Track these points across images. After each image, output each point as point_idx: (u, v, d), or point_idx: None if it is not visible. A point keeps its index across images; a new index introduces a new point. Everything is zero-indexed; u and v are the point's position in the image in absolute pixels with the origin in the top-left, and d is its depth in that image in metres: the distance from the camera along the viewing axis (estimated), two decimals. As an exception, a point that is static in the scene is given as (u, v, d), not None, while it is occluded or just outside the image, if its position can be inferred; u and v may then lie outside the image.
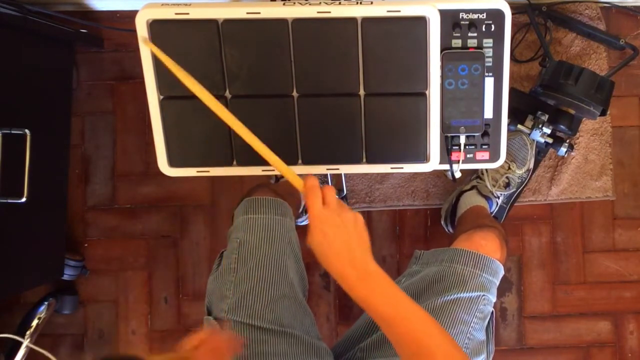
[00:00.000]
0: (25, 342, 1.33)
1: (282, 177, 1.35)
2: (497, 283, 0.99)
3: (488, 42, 0.96)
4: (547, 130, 1.30)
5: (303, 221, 1.44)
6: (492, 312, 0.98)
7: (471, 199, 1.37)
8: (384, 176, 1.51)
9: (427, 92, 0.97)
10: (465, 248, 0.99)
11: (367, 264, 0.77)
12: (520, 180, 1.41)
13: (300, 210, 1.37)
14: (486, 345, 0.96)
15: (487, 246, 1.00)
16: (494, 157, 1.02)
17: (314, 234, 0.76)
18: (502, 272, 1.00)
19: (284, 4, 0.94)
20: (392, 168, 1.02)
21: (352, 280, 0.75)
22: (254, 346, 0.89)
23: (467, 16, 0.95)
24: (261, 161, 1.01)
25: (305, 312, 0.99)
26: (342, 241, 0.76)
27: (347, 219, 0.77)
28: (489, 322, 0.97)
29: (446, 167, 1.02)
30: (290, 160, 1.00)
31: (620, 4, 1.49)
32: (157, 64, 0.95)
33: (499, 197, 1.41)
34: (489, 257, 0.98)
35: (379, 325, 0.77)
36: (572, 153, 1.49)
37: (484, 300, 0.95)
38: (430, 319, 0.76)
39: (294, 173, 0.83)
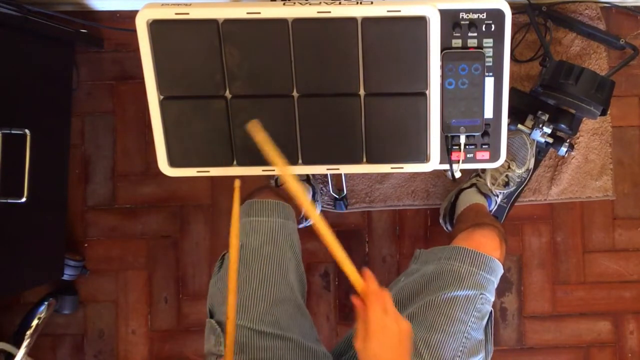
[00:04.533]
0: (21, 353, 1.32)
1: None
2: (496, 282, 0.99)
3: (488, 42, 0.96)
4: (548, 130, 1.30)
5: (306, 224, 1.44)
6: (491, 312, 0.97)
7: (470, 197, 1.37)
8: (384, 176, 1.50)
9: (427, 92, 0.97)
10: (465, 246, 0.99)
11: None
12: (520, 180, 1.41)
13: (302, 216, 1.36)
14: (485, 345, 0.96)
15: (486, 244, 1.00)
16: (494, 157, 1.02)
17: (372, 341, 0.73)
18: (500, 271, 1.00)
19: (284, 4, 0.94)
20: (392, 168, 1.02)
21: None
22: (254, 352, 0.89)
23: (467, 16, 0.95)
24: (261, 161, 1.02)
25: (304, 315, 0.98)
26: (398, 352, 0.75)
27: (404, 331, 0.76)
28: (487, 321, 0.97)
29: (446, 167, 1.02)
30: (290, 160, 1.01)
31: (620, 4, 1.49)
32: (157, 64, 0.95)
33: (498, 196, 1.41)
34: (487, 255, 0.98)
35: None
36: (572, 153, 1.49)
37: (481, 299, 0.95)
38: None
39: (355, 273, 0.78)
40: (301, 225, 1.40)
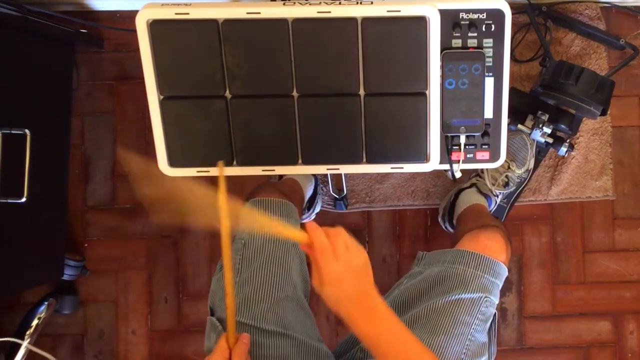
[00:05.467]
0: (25, 344, 1.33)
1: (283, 175, 1.35)
2: (500, 285, 0.99)
3: (488, 42, 0.96)
4: (548, 130, 1.30)
5: (306, 218, 1.44)
6: (495, 314, 0.97)
7: (470, 197, 1.37)
8: (384, 176, 1.50)
9: (427, 92, 0.97)
10: (471, 248, 0.99)
11: (375, 304, 0.77)
12: (519, 180, 1.41)
13: (304, 207, 1.37)
14: (488, 347, 0.96)
15: (492, 247, 1.00)
16: (494, 157, 1.02)
17: (329, 288, 0.76)
18: (505, 274, 1.00)
19: (284, 4, 0.94)
20: (392, 168, 1.02)
21: (361, 323, 0.76)
22: (256, 349, 0.89)
23: (467, 16, 0.95)
24: (261, 161, 1.02)
25: (307, 314, 0.99)
26: (354, 287, 0.76)
27: (357, 266, 0.76)
28: (491, 324, 0.97)
29: (446, 167, 1.02)
30: (290, 160, 1.01)
31: (620, 4, 1.49)
32: (157, 64, 0.95)
33: (498, 196, 1.41)
34: (491, 258, 0.98)
35: None
36: (572, 153, 1.49)
37: (486, 302, 0.95)
38: (433, 358, 0.76)
39: (296, 232, 0.78)
40: (303, 219, 1.40)
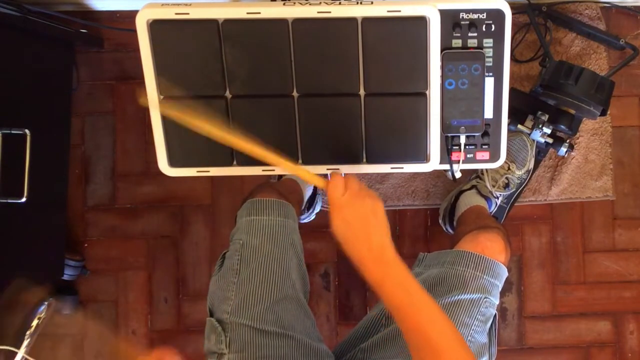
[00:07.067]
0: (21, 353, 1.32)
1: (282, 175, 1.36)
2: (500, 286, 0.99)
3: (488, 42, 0.96)
4: (547, 130, 1.30)
5: (305, 218, 1.44)
6: (495, 315, 0.97)
7: (471, 199, 1.37)
8: (384, 176, 1.51)
9: (427, 92, 0.97)
10: (470, 249, 0.99)
11: (384, 249, 0.77)
12: (519, 181, 1.41)
13: (303, 207, 1.37)
14: (488, 348, 0.96)
15: (492, 248, 1.00)
16: (494, 157, 1.02)
17: (335, 219, 0.78)
18: (505, 275, 1.00)
19: (284, 4, 0.94)
20: (392, 168, 1.02)
21: (368, 263, 0.77)
22: (255, 350, 0.89)
23: (467, 16, 0.95)
24: (261, 161, 1.02)
25: (307, 314, 0.99)
26: (361, 225, 0.77)
27: (366, 204, 0.79)
28: (491, 325, 0.97)
29: (446, 167, 1.02)
30: (290, 161, 1.01)
31: (620, 4, 1.49)
32: (157, 64, 0.95)
33: (498, 198, 1.41)
34: (491, 259, 0.98)
35: (390, 313, 0.77)
36: (572, 153, 1.49)
37: (485, 302, 0.95)
38: (442, 315, 0.75)
39: (314, 176, 0.84)
40: (302, 219, 1.39)
